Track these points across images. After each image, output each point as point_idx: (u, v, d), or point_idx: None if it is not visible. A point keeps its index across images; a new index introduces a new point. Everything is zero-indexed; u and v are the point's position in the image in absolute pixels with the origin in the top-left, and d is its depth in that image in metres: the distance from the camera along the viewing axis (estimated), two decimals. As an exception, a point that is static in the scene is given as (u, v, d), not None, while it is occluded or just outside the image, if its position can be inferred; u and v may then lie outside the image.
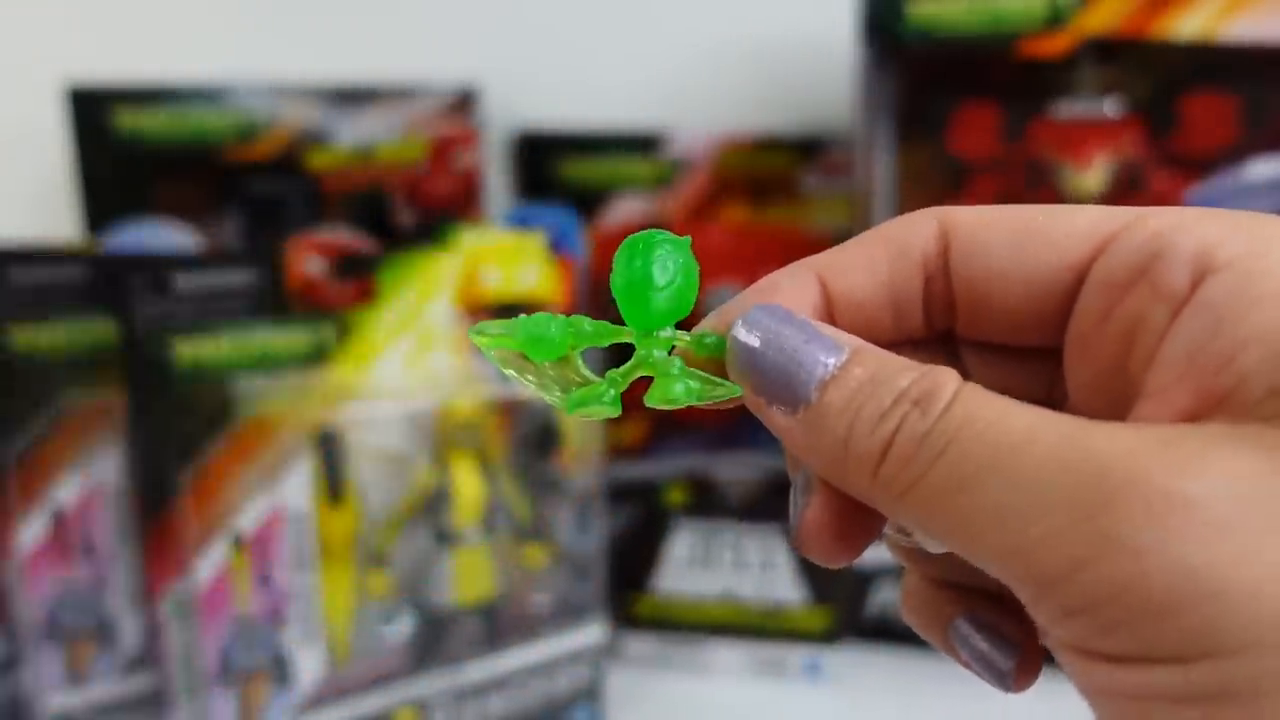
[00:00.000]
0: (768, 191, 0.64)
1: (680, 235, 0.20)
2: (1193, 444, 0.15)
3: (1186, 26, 0.50)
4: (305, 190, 0.59)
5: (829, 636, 0.56)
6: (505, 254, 0.47)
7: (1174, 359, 0.17)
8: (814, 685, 0.56)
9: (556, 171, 0.65)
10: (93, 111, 0.54)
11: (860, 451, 0.17)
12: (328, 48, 0.64)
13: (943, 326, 0.21)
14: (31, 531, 0.46)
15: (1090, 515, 0.14)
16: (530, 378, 0.20)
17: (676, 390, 0.19)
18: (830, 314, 0.20)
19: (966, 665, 0.21)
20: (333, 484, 0.43)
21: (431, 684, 0.46)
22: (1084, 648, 0.15)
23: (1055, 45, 0.52)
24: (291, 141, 0.58)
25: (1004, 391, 0.20)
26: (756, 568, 0.56)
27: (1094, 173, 0.53)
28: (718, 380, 0.19)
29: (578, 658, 0.50)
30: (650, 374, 0.20)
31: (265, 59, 0.61)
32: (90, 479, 0.47)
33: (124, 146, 0.55)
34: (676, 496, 0.58)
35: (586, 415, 0.20)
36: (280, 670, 0.43)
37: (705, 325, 0.20)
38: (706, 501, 0.57)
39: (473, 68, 0.64)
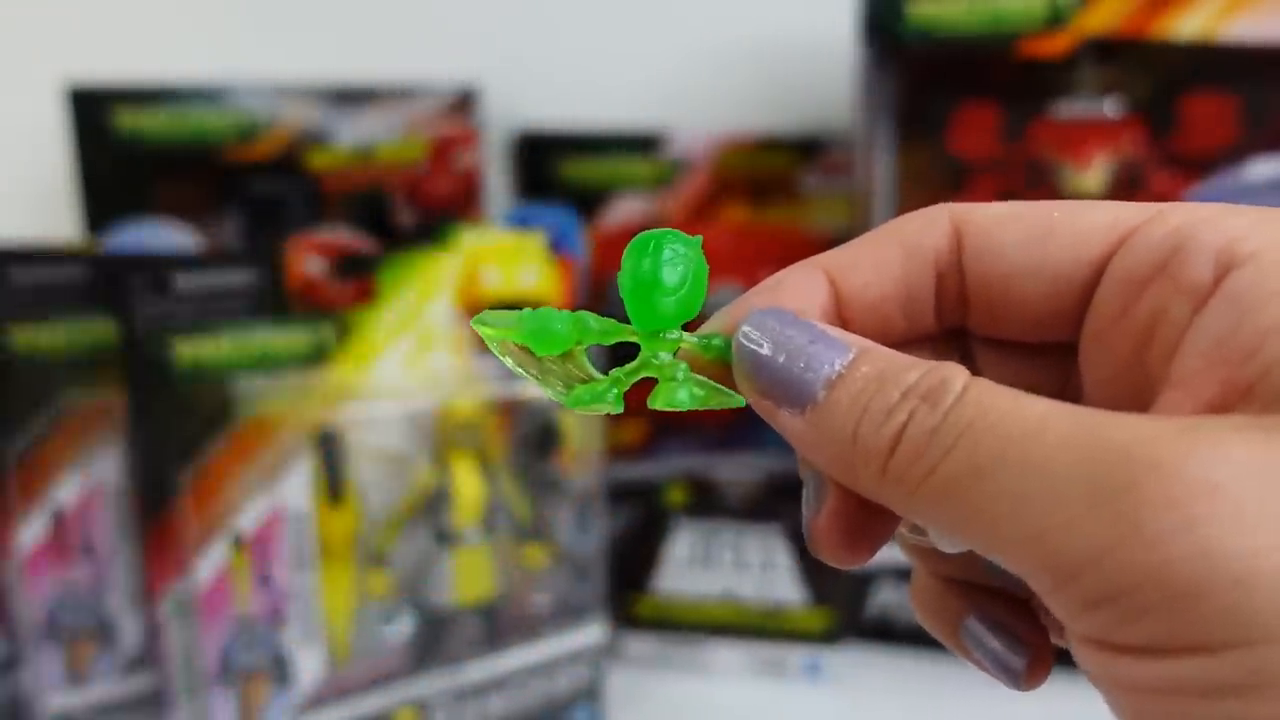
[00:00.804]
0: (768, 191, 0.64)
1: (691, 235, 0.20)
2: (1215, 432, 0.15)
3: (1186, 26, 0.50)
4: (305, 190, 0.59)
5: (829, 637, 0.56)
6: (505, 254, 0.47)
7: (1197, 351, 0.17)
8: (814, 685, 0.56)
9: (556, 171, 0.65)
10: (93, 111, 0.54)
11: (868, 448, 0.17)
12: (328, 48, 0.64)
13: (955, 323, 0.21)
14: (31, 531, 0.46)
15: (1109, 502, 0.14)
16: (532, 371, 0.20)
17: (679, 396, 0.19)
18: (839, 313, 0.20)
19: (978, 664, 0.20)
20: (333, 484, 0.43)
21: (431, 684, 0.46)
22: (1105, 640, 0.15)
23: (1055, 45, 0.52)
24: (292, 141, 0.58)
25: (1018, 388, 0.21)
26: (756, 568, 0.56)
27: (1094, 173, 0.53)
28: (722, 388, 0.19)
29: (578, 658, 0.50)
30: (654, 376, 0.20)
31: (265, 59, 0.61)
32: (90, 479, 0.47)
33: (124, 146, 0.55)
34: (676, 496, 0.58)
35: (587, 412, 0.20)
36: (280, 670, 0.43)
37: (711, 326, 0.20)
38: (706, 501, 0.57)
39: (473, 68, 0.64)
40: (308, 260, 0.43)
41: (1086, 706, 0.16)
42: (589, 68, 0.67)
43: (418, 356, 0.45)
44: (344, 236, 0.55)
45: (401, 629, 0.46)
